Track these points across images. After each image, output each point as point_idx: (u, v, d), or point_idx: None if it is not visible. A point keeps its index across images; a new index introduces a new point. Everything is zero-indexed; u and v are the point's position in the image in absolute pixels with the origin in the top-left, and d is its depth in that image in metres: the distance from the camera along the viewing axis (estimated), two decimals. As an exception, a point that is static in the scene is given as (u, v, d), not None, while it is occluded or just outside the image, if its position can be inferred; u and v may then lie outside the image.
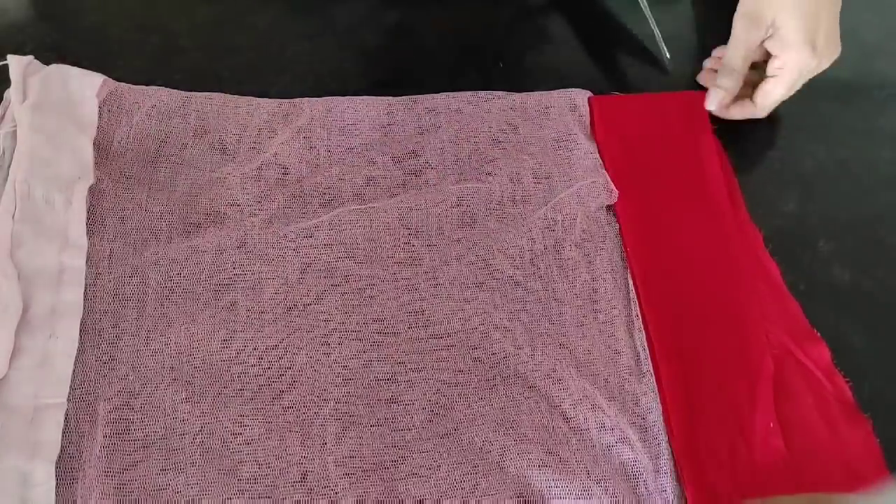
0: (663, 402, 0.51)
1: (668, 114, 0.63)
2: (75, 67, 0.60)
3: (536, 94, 0.63)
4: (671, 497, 0.48)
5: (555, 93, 0.63)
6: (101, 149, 0.57)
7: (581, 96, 0.63)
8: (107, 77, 0.60)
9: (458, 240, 0.56)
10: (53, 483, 0.45)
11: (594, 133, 0.62)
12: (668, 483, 0.48)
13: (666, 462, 0.49)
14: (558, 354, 0.52)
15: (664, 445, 0.50)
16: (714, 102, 0.62)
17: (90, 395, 0.49)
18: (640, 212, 0.58)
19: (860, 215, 0.61)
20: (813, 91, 0.62)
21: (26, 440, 0.46)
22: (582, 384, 0.51)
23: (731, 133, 0.63)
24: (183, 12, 0.67)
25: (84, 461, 0.47)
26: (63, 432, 0.47)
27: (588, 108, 0.63)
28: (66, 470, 0.46)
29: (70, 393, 0.48)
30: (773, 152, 0.63)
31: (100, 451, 0.47)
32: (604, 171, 0.59)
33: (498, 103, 0.62)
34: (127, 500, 0.46)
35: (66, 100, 0.58)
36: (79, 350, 0.50)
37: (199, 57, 0.65)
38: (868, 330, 0.55)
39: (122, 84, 0.61)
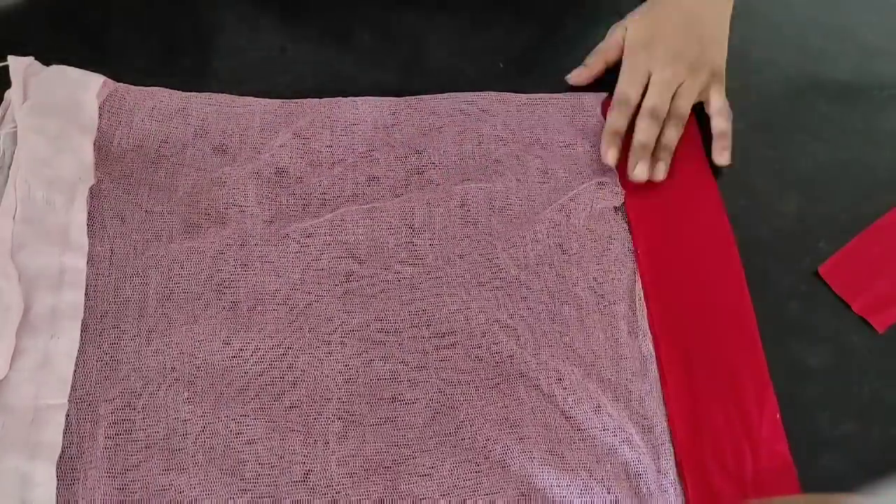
0: (668, 404, 0.51)
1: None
2: (75, 68, 0.60)
3: (540, 96, 0.63)
4: (673, 498, 0.48)
5: (562, 95, 0.63)
6: (102, 150, 0.57)
7: (590, 98, 0.63)
8: (107, 78, 0.60)
9: (462, 238, 0.56)
10: (54, 484, 0.45)
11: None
12: (670, 484, 0.48)
13: (669, 463, 0.49)
14: (562, 354, 0.52)
15: (667, 447, 0.50)
16: (576, 78, 0.63)
17: (91, 395, 0.49)
18: (647, 213, 0.58)
19: (860, 215, 0.60)
20: (813, 91, 0.62)
21: (27, 441, 0.46)
22: (585, 384, 0.51)
23: (731, 133, 0.62)
24: (183, 12, 0.67)
25: (85, 462, 0.47)
26: (64, 433, 0.47)
27: (596, 110, 0.62)
28: (67, 470, 0.46)
29: (71, 393, 0.49)
30: (773, 152, 0.63)
31: (102, 451, 0.47)
32: (611, 171, 0.59)
33: (502, 104, 0.62)
34: (129, 500, 0.46)
35: (66, 101, 0.58)
36: (80, 351, 0.50)
37: (199, 57, 0.65)
38: (868, 330, 0.55)
39: (122, 85, 0.61)
